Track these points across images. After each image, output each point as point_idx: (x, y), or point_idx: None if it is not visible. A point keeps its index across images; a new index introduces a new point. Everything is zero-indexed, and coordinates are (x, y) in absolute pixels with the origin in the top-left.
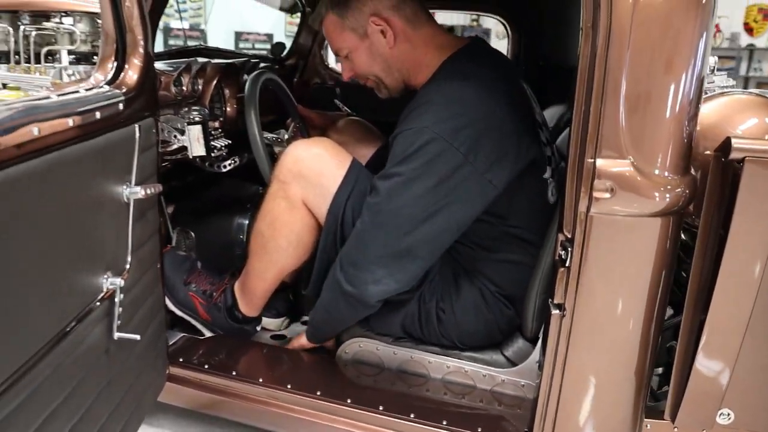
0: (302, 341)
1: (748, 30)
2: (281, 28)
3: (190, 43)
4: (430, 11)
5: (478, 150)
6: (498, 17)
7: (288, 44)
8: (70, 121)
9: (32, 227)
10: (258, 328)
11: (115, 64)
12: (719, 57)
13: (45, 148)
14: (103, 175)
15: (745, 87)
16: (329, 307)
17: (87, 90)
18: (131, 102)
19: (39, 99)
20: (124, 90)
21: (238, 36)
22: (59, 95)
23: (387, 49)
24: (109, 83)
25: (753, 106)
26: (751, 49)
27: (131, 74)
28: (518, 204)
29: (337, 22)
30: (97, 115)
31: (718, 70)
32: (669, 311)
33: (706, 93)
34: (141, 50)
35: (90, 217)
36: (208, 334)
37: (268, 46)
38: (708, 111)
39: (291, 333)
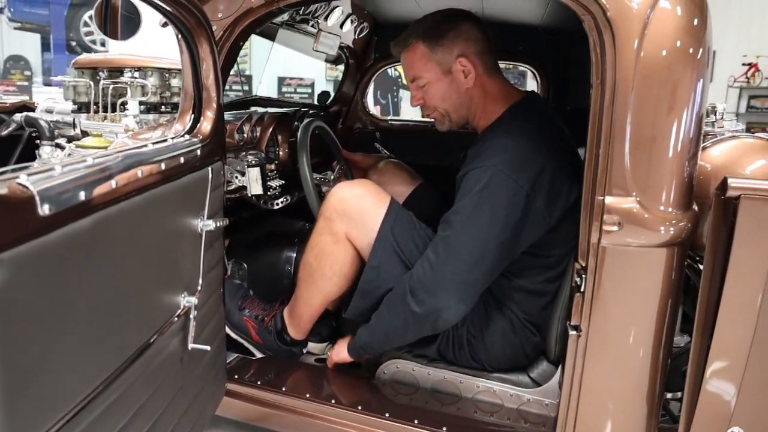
0: (343, 356)
1: None
2: (322, 73)
3: (236, 86)
4: None
5: (539, 188)
6: (528, 66)
7: (327, 88)
8: (162, 165)
9: (131, 252)
10: (304, 351)
11: (193, 116)
12: (759, 96)
13: (144, 187)
14: (183, 210)
15: None
16: (391, 328)
17: (173, 139)
18: (206, 148)
19: (139, 147)
20: (200, 138)
21: (281, 81)
22: (154, 144)
23: (464, 89)
24: (188, 132)
25: (759, 149)
26: None
27: (206, 125)
28: (558, 238)
29: (425, 53)
30: (181, 160)
31: (755, 108)
32: (686, 338)
33: (715, 136)
34: (214, 105)
35: (173, 245)
36: (259, 355)
37: (309, 91)
38: (718, 153)
39: None
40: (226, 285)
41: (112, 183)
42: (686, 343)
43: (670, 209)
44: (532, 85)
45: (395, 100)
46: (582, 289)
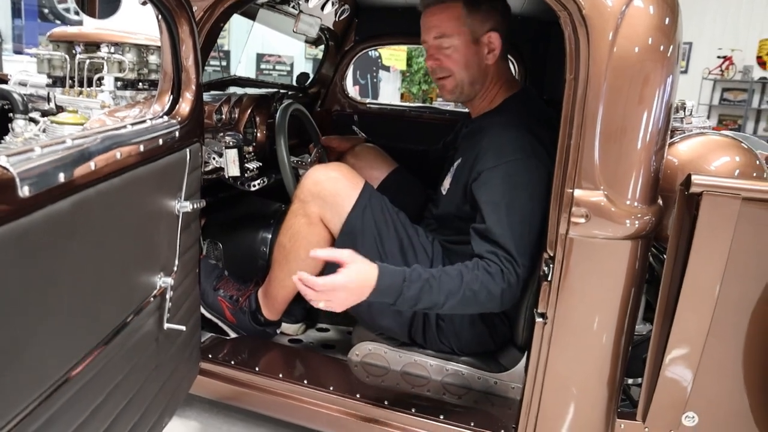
0: (365, 294)
1: (761, 64)
2: (301, 51)
3: (214, 62)
4: None
5: (548, 163)
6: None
7: (306, 66)
8: (141, 147)
9: (109, 233)
10: (278, 332)
11: (172, 97)
12: (732, 89)
13: (122, 169)
14: (161, 192)
15: (758, 119)
16: (467, 300)
17: (151, 120)
18: (184, 129)
19: (119, 128)
20: (179, 119)
21: (260, 58)
22: (132, 125)
23: (483, 64)
24: (166, 114)
25: (725, 147)
26: (763, 83)
27: (184, 106)
28: None
29: (461, 14)
30: (160, 141)
31: (728, 101)
32: (648, 327)
33: (683, 132)
34: (193, 86)
35: (150, 226)
36: (233, 335)
37: (288, 68)
38: (686, 148)
39: (307, 338)
40: (201, 265)
41: (92, 164)
42: (648, 331)
43: (636, 203)
44: None
45: (374, 81)
46: (549, 278)
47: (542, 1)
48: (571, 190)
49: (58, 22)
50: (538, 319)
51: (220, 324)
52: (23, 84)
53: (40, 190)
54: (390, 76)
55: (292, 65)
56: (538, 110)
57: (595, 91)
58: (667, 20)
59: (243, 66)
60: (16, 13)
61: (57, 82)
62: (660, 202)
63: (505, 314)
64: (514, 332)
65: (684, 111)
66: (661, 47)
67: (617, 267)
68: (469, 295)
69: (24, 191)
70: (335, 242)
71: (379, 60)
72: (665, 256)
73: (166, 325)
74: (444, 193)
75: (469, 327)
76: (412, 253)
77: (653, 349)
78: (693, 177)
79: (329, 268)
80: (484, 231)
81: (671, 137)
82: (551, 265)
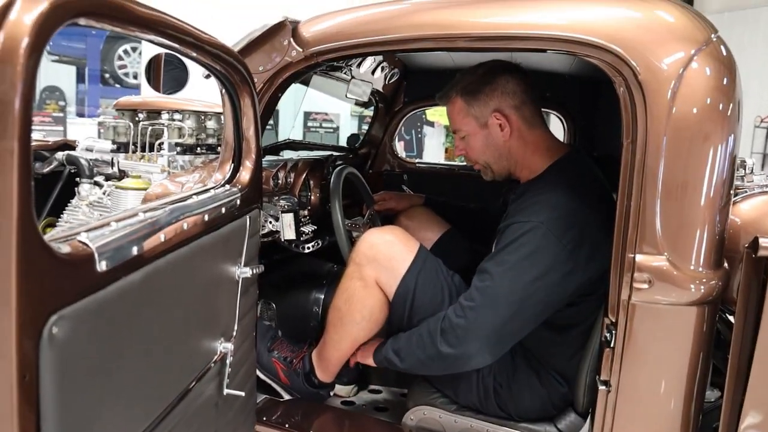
0: (368, 359)
1: None
2: (347, 108)
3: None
4: None
5: (581, 248)
6: (556, 113)
7: (352, 123)
8: (206, 216)
9: (176, 302)
10: (331, 393)
11: (233, 165)
12: None
13: (188, 239)
14: (222, 259)
15: None
16: (416, 359)
17: (214, 189)
18: (244, 196)
19: (185, 199)
20: (239, 187)
21: (307, 116)
22: (197, 194)
23: (501, 141)
24: (227, 182)
25: None
26: None
27: (245, 174)
28: (588, 294)
29: (463, 107)
30: (222, 210)
31: None
32: (716, 393)
33: (746, 192)
34: (253, 155)
35: (212, 292)
36: (286, 396)
37: (335, 126)
38: (749, 208)
39: (359, 400)
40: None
41: (161, 236)
42: (717, 398)
43: (700, 268)
44: (555, 128)
45: (419, 136)
46: (612, 345)
47: (594, 64)
48: (632, 255)
49: (117, 85)
50: (601, 387)
51: (274, 386)
52: (89, 149)
53: (116, 264)
54: (434, 132)
55: (338, 123)
56: (584, 174)
57: (655, 154)
58: (725, 80)
59: (291, 124)
60: (80, 78)
61: (120, 147)
62: (726, 265)
63: (565, 377)
64: (575, 397)
65: (744, 169)
66: (721, 106)
67: (683, 333)
68: (415, 339)
69: (102, 266)
70: (390, 305)
71: (424, 116)
72: (733, 319)
73: (226, 391)
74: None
75: (528, 391)
76: None
77: (725, 417)
78: (761, 240)
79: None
80: (475, 275)
81: (734, 196)
82: (613, 331)
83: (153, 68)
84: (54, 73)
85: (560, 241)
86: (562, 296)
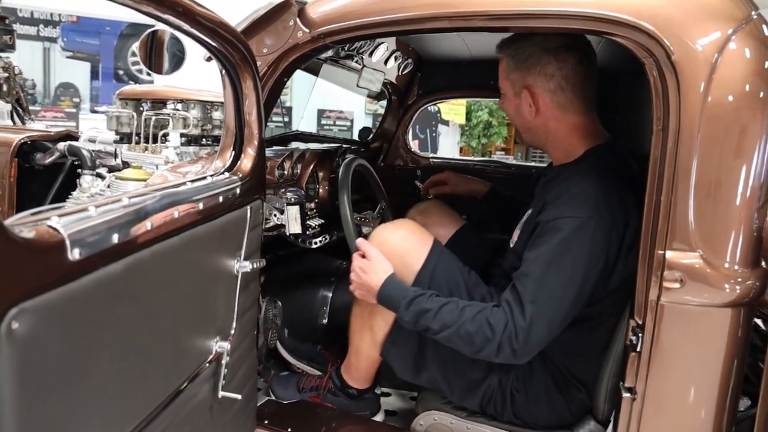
0: (372, 287)
1: None
2: (361, 106)
3: (276, 118)
4: None
5: (627, 243)
6: None
7: (366, 121)
8: (200, 205)
9: (164, 296)
10: (378, 392)
11: (233, 153)
12: None
13: (180, 228)
14: (219, 251)
15: None
16: (451, 332)
17: (212, 176)
18: (245, 186)
19: (177, 186)
20: (240, 176)
21: (321, 113)
22: (192, 182)
23: (529, 117)
24: (227, 170)
25: None
26: None
27: (246, 162)
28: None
29: (505, 69)
30: (220, 199)
31: None
32: (746, 401)
33: None
34: (255, 141)
35: (207, 287)
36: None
37: (348, 124)
38: None
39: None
40: (275, 382)
41: (148, 224)
42: (746, 407)
43: (736, 266)
44: None
45: (434, 135)
46: (638, 349)
47: (617, 47)
48: (662, 252)
49: (131, 82)
50: (626, 394)
51: None
52: (92, 140)
53: (91, 252)
54: (449, 131)
55: (352, 120)
56: (622, 163)
57: (688, 144)
58: (767, 63)
59: (304, 121)
60: (94, 75)
61: (124, 138)
62: (764, 264)
63: (583, 383)
64: (594, 403)
65: None
66: (761, 93)
67: (717, 337)
68: (463, 334)
69: (74, 254)
70: None
71: (438, 114)
72: (762, 324)
73: (221, 394)
74: (511, 246)
75: (544, 398)
76: None
77: (759, 428)
78: None
79: None
80: (515, 279)
81: None
82: (640, 335)
83: (153, 46)
84: (69, 70)
85: (608, 235)
86: (601, 294)
